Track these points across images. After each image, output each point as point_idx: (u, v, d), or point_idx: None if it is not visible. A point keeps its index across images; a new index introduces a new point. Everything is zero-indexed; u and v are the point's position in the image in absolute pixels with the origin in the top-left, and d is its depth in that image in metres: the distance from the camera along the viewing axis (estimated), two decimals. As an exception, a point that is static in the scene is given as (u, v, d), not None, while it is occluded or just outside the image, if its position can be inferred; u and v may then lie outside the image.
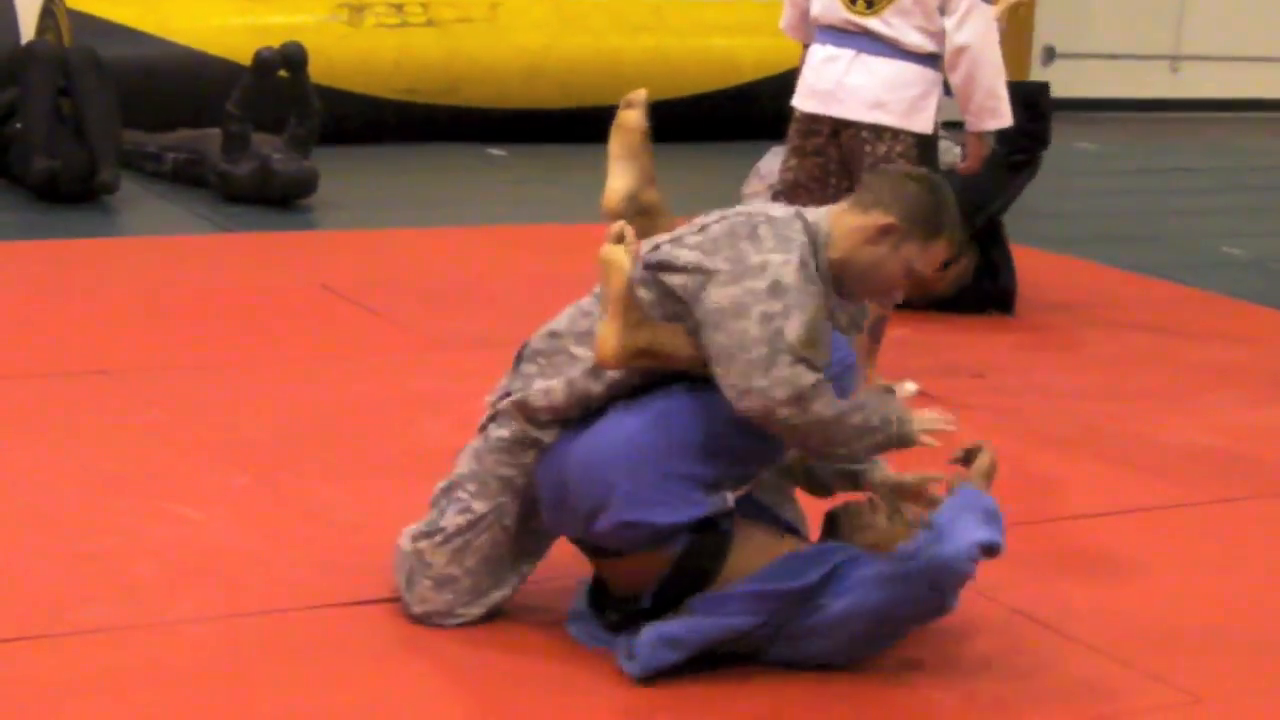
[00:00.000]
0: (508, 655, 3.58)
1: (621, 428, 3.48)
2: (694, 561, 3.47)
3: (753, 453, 3.52)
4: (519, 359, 3.70)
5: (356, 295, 6.47)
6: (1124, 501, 4.74)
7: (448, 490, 3.70)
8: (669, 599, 3.49)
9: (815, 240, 3.53)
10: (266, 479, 4.52)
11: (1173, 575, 4.23)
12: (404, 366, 5.65)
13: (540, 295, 6.63)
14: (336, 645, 3.58)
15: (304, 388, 5.36)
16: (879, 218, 3.55)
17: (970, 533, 3.39)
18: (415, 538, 3.69)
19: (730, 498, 3.50)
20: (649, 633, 3.45)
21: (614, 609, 3.58)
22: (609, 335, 3.45)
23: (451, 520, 3.65)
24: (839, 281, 3.57)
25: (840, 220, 3.59)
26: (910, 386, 5.63)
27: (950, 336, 6.48)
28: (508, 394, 3.65)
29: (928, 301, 6.60)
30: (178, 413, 5.04)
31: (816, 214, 3.61)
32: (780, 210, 3.60)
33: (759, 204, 4.12)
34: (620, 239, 3.53)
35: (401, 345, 5.92)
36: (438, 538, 3.65)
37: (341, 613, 3.73)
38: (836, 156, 5.42)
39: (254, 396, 5.24)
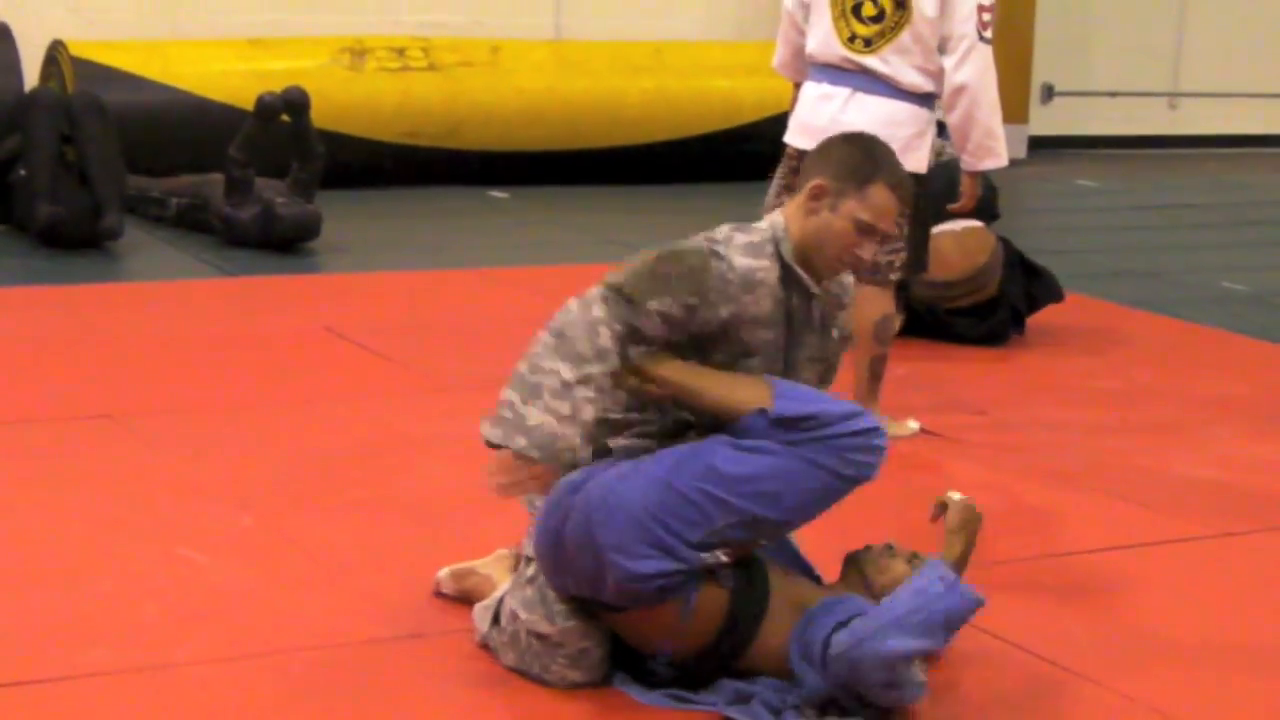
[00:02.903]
0: (524, 696, 3.58)
1: (611, 486, 3.44)
2: (740, 618, 3.49)
3: (748, 524, 3.43)
4: None
5: (360, 338, 6.49)
6: (1126, 536, 4.75)
7: (534, 578, 3.64)
8: (727, 654, 3.52)
9: (776, 235, 3.62)
10: (271, 521, 4.53)
11: (1175, 610, 4.23)
12: (408, 408, 5.67)
13: (543, 336, 6.67)
14: (342, 685, 3.58)
15: (308, 430, 5.37)
16: (810, 185, 3.65)
17: (886, 639, 3.34)
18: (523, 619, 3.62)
19: (721, 556, 3.44)
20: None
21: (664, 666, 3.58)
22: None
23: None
24: (807, 265, 3.62)
25: (789, 211, 3.69)
26: (913, 425, 5.64)
27: (951, 373, 6.49)
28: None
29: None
30: (182, 456, 5.05)
31: (775, 215, 3.71)
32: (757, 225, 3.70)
33: None
34: None
35: (405, 387, 5.94)
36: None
37: (347, 653, 3.73)
38: None
39: (258, 439, 5.25)
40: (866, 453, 3.41)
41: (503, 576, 3.91)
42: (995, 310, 6.95)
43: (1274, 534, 4.83)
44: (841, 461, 3.40)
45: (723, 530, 3.40)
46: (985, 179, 5.86)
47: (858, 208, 3.61)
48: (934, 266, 6.63)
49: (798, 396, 3.44)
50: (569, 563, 3.49)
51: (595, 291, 3.49)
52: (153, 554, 4.25)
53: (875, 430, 3.43)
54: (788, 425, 3.39)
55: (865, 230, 3.62)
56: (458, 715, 3.49)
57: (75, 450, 5.07)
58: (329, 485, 4.84)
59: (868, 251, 3.64)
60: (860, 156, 3.66)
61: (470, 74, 10.38)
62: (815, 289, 3.64)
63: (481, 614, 3.76)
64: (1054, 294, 7.15)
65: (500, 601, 3.72)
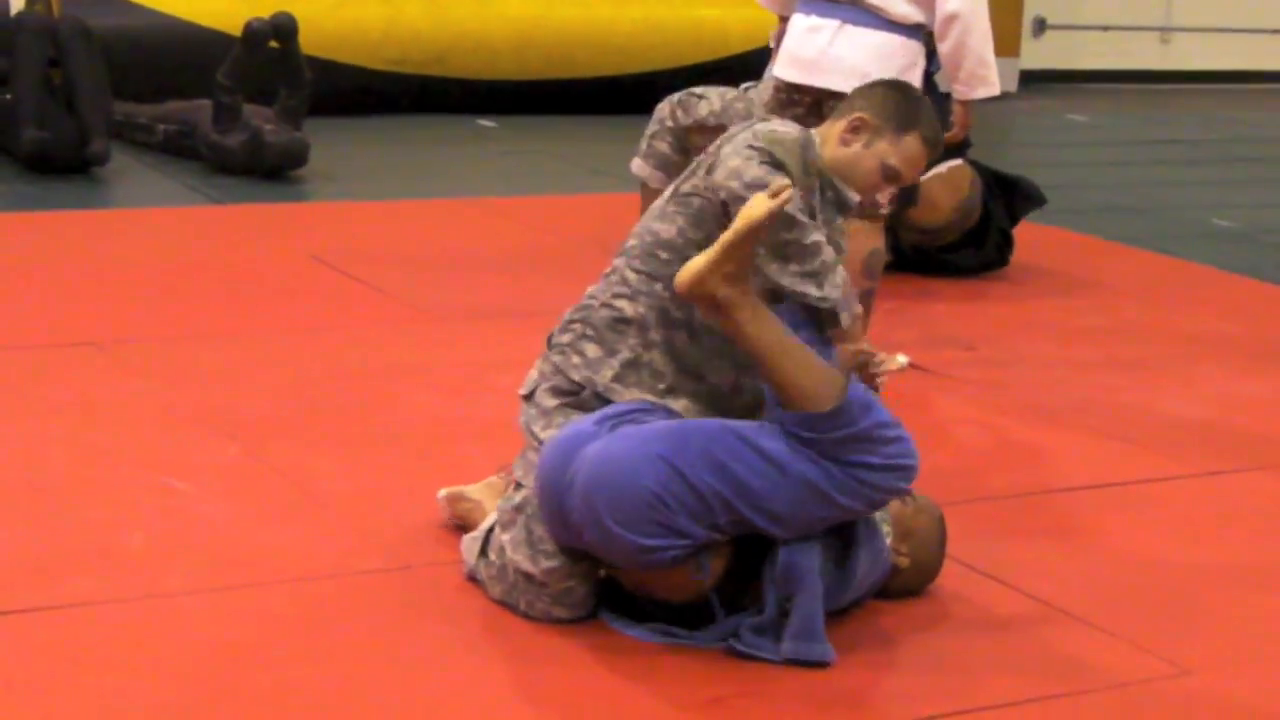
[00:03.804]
0: (512, 629, 3.58)
1: (618, 459, 3.38)
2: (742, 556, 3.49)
3: (741, 525, 3.38)
4: (550, 340, 3.71)
5: (347, 266, 6.46)
6: (1113, 474, 4.75)
7: (521, 506, 3.64)
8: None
9: (809, 139, 3.69)
10: (256, 450, 4.52)
11: (1161, 548, 4.23)
12: (394, 337, 5.65)
13: (529, 266, 6.64)
14: (329, 617, 3.57)
15: (294, 359, 5.36)
16: (851, 117, 3.72)
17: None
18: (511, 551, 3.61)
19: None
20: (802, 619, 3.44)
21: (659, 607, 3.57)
22: (698, 263, 3.37)
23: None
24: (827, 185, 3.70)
25: (824, 131, 3.77)
26: (902, 359, 5.61)
27: (940, 309, 6.48)
28: (552, 379, 3.66)
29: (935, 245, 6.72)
30: (167, 384, 5.03)
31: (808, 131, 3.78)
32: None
33: None
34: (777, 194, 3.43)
35: (391, 316, 5.92)
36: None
37: (334, 584, 3.73)
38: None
39: (244, 368, 5.23)
40: (888, 492, 3.41)
41: (493, 503, 3.89)
42: (985, 236, 6.93)
43: (1261, 472, 4.83)
44: (860, 499, 3.38)
45: (720, 523, 3.37)
46: None
47: (890, 151, 3.70)
48: (925, 211, 6.62)
49: (862, 403, 3.36)
50: (574, 526, 3.45)
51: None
52: (138, 483, 4.24)
53: (909, 468, 3.41)
54: (837, 442, 3.35)
55: (891, 176, 3.73)
56: (446, 648, 3.49)
57: (60, 378, 5.05)
58: (316, 415, 4.83)
59: (885, 195, 3.73)
60: (904, 103, 3.74)
61: (459, 1, 10.31)
62: (849, 194, 3.70)
63: (469, 545, 3.76)
64: (1035, 198, 7.10)
65: (489, 533, 3.71)
